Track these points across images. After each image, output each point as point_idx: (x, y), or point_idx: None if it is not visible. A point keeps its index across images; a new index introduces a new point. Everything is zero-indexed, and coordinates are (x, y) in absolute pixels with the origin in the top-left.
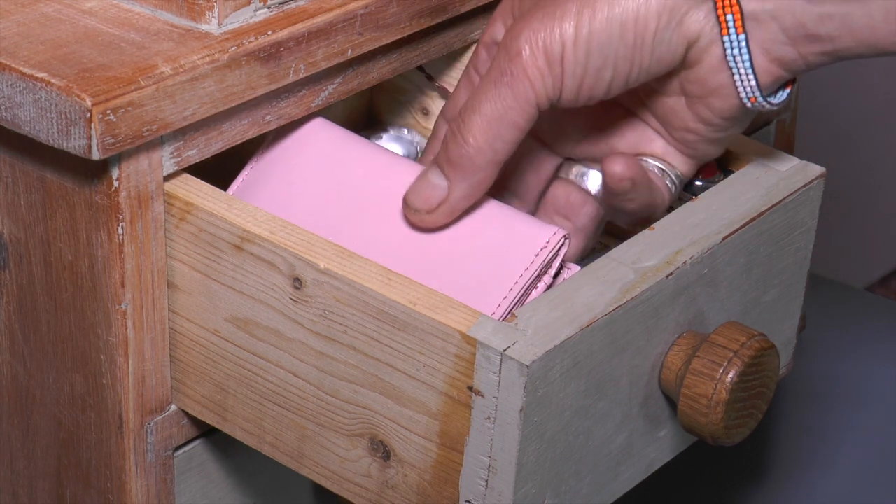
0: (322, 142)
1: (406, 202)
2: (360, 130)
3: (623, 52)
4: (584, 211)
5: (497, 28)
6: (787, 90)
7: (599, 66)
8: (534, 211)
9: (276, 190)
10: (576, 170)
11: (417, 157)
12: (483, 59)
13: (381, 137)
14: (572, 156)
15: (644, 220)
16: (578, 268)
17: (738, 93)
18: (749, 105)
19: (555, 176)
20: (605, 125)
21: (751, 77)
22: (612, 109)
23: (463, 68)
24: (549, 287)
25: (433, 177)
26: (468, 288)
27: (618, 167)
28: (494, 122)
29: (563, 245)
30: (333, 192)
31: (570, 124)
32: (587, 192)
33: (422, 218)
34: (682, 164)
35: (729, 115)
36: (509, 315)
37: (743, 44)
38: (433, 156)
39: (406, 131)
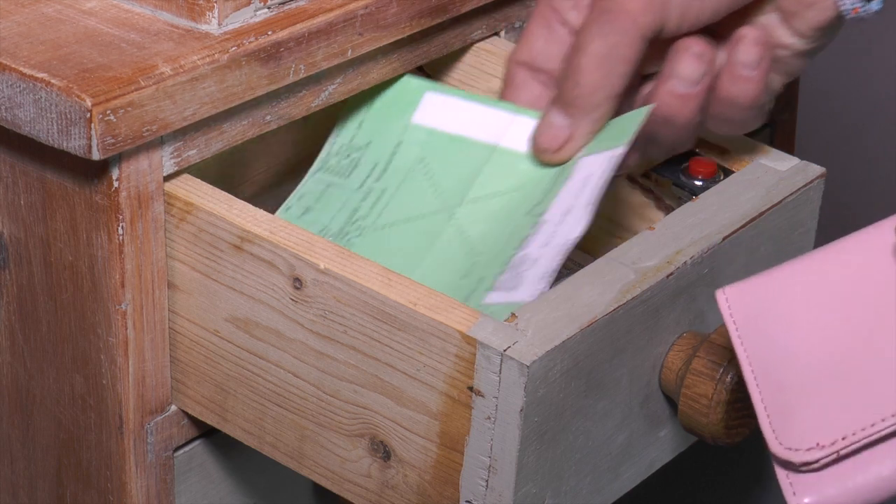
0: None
1: (534, 143)
2: None
3: None
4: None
5: None
6: None
7: None
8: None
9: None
10: None
11: None
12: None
13: None
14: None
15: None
16: None
17: (838, 5)
18: (849, 17)
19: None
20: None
21: None
22: (702, 32)
23: (463, 68)
24: None
25: (555, 118)
26: None
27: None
28: (604, 60)
29: None
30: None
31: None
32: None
33: (549, 157)
34: (774, 82)
35: (825, 26)
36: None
37: None
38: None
39: None
